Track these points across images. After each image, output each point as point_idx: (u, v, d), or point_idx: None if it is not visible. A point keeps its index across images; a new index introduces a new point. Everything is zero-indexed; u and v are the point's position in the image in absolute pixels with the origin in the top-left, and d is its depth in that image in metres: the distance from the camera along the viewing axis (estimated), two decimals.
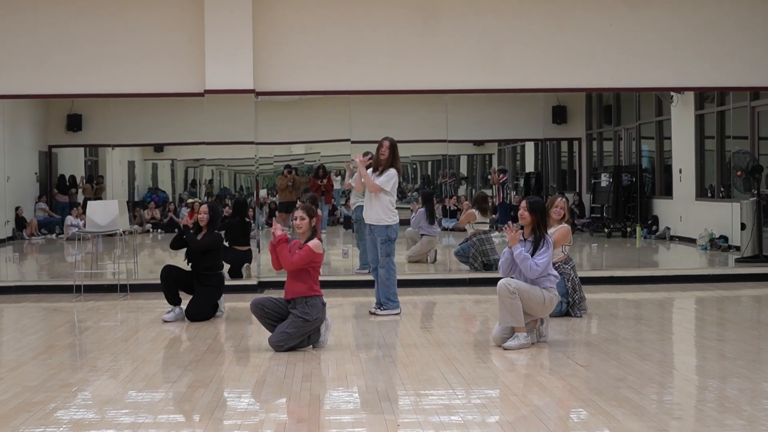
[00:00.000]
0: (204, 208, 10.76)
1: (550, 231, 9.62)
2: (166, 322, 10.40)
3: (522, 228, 8.85)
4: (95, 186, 19.03)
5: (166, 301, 10.62)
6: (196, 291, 10.59)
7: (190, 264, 10.68)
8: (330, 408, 6.60)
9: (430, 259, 15.41)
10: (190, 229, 10.77)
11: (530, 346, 8.55)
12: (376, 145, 10.83)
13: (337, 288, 12.90)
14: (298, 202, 13.34)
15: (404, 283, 12.59)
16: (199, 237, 10.66)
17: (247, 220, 13.52)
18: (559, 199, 10.49)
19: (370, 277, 11.16)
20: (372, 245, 10.83)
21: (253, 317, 9.40)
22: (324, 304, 8.71)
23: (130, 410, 6.55)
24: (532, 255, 8.67)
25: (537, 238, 8.73)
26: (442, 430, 5.89)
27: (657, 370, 7.73)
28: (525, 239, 8.81)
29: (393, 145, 10.68)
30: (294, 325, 8.51)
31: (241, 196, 15.06)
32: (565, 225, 10.42)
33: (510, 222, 9.05)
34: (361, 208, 11.92)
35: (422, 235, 15.50)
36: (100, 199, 17.58)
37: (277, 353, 8.45)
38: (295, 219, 8.81)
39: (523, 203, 8.89)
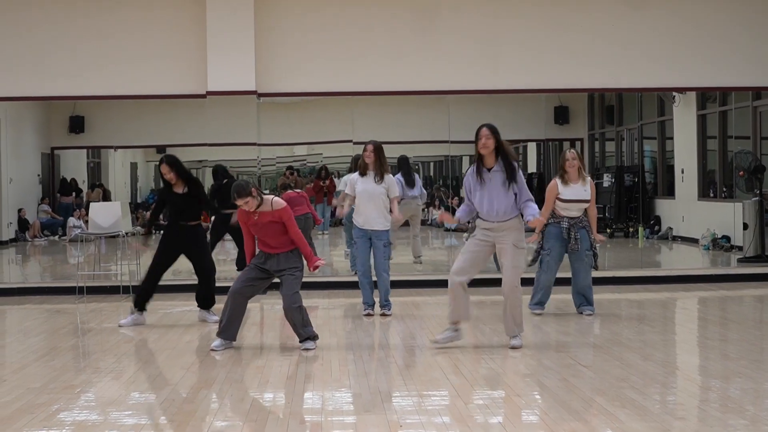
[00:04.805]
0: (165, 168, 9.96)
1: (575, 187, 9.71)
2: (121, 326, 10.09)
3: (480, 158, 8.17)
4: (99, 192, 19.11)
5: (169, 302, 10.61)
6: (193, 255, 10.13)
7: (171, 220, 10.11)
8: (332, 409, 6.60)
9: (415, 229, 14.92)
10: (155, 221, 10.52)
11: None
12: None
13: (339, 289, 12.87)
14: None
15: (406, 284, 12.58)
16: (182, 192, 10.07)
17: (225, 180, 13.45)
18: (568, 152, 10.13)
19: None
20: (365, 250, 10.74)
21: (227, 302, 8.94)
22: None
23: (133, 411, 6.57)
24: (509, 182, 8.08)
25: (507, 165, 8.10)
26: (445, 431, 5.89)
27: (660, 370, 7.73)
28: (488, 169, 8.17)
29: (377, 149, 10.62)
30: (296, 281, 8.64)
31: (219, 164, 14.55)
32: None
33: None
34: (351, 211, 11.60)
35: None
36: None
37: (281, 353, 8.46)
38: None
39: (484, 130, 8.08)
